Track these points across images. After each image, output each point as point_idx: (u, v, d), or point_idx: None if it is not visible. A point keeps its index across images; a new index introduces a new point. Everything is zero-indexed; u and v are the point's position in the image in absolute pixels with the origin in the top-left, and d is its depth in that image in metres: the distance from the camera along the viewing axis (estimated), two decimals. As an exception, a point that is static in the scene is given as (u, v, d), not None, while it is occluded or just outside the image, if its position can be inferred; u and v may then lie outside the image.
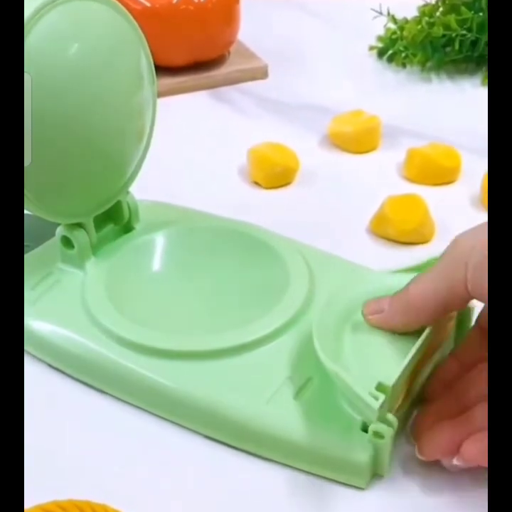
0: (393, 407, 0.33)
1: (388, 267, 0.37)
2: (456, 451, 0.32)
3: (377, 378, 0.31)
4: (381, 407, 0.31)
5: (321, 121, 0.57)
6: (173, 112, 0.59)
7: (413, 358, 0.32)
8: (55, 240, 0.41)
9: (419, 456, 0.33)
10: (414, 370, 0.34)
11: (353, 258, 0.42)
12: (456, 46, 0.62)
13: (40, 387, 0.38)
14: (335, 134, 0.55)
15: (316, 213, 0.49)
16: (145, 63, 0.40)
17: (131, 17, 0.39)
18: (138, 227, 0.43)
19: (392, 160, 0.54)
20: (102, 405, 0.37)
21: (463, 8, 0.62)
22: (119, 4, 0.38)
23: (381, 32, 0.67)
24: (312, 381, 0.35)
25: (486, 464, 0.30)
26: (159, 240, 0.42)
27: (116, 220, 0.42)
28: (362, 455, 0.33)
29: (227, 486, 0.34)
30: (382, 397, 0.31)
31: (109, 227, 0.42)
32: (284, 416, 0.34)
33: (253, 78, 0.64)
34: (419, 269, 0.35)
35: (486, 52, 0.62)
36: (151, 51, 0.40)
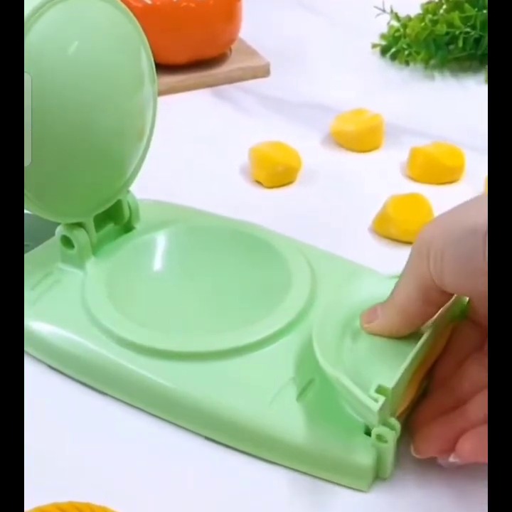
0: (397, 411, 0.33)
1: (391, 267, 0.36)
2: (452, 448, 0.32)
3: (377, 382, 0.31)
4: (381, 409, 0.31)
5: (324, 119, 0.56)
6: (173, 110, 0.59)
7: (413, 360, 0.32)
8: (55, 240, 0.40)
9: (415, 455, 0.33)
10: (419, 374, 0.34)
11: (355, 258, 0.42)
12: (460, 44, 0.62)
13: (40, 387, 0.37)
14: (337, 132, 0.55)
15: (319, 213, 0.49)
16: (146, 61, 0.40)
17: (131, 14, 0.39)
18: (138, 226, 0.43)
19: (395, 159, 0.53)
20: (102, 406, 0.37)
21: (466, 6, 0.62)
22: (120, 2, 0.38)
23: (384, 30, 0.67)
24: (314, 382, 0.35)
25: (483, 460, 0.30)
26: (160, 240, 0.42)
27: (116, 219, 0.42)
28: (365, 458, 0.32)
29: (228, 489, 0.33)
30: (382, 399, 0.31)
31: (110, 227, 0.42)
32: (287, 418, 0.34)
33: (255, 76, 0.63)
34: None
35: (490, 50, 0.62)
36: (152, 49, 0.40)
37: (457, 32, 0.62)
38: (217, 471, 0.34)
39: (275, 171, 0.51)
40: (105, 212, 0.41)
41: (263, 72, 0.64)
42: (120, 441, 0.35)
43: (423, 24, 0.63)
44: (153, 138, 0.42)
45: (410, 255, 0.33)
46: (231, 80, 0.63)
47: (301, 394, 0.34)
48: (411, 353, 0.32)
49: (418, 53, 0.64)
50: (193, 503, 0.33)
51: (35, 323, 0.38)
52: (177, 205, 0.45)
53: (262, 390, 0.34)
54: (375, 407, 0.30)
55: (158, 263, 0.42)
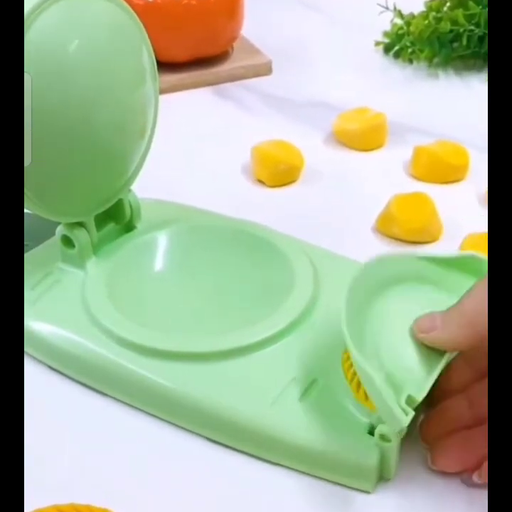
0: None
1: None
2: (474, 467, 0.31)
3: (404, 387, 0.30)
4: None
5: (326, 118, 0.56)
6: (175, 108, 0.59)
7: (443, 367, 0.32)
8: (55, 239, 0.40)
9: (434, 467, 0.33)
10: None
11: (358, 257, 0.41)
12: (464, 42, 0.62)
13: (40, 388, 0.37)
14: (340, 131, 0.55)
15: (321, 212, 0.49)
16: (147, 59, 0.40)
17: (133, 12, 0.38)
18: (139, 226, 0.42)
19: (398, 158, 0.53)
20: (102, 406, 0.37)
21: (470, 3, 0.61)
22: (121, -1, 0.38)
23: (387, 27, 0.67)
24: (317, 382, 0.34)
25: None
26: (161, 239, 0.42)
27: (117, 218, 0.42)
28: (369, 458, 0.32)
29: (229, 489, 0.33)
30: (411, 413, 0.30)
31: (111, 226, 0.41)
32: (289, 418, 0.34)
33: (257, 74, 0.63)
34: (447, 262, 0.34)
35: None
36: (153, 47, 0.40)
37: (461, 30, 0.62)
38: (218, 472, 0.34)
39: (277, 170, 0.51)
40: (106, 212, 0.41)
41: (265, 70, 0.64)
42: (120, 442, 0.35)
43: (427, 22, 0.62)
44: (155, 137, 0.42)
45: None
46: (233, 78, 0.63)
47: (303, 394, 0.34)
48: (441, 361, 0.31)
49: (422, 51, 0.63)
50: (194, 504, 0.33)
51: (35, 323, 0.38)
52: (178, 204, 0.45)
53: (264, 391, 0.34)
54: (405, 421, 0.30)
55: (159, 263, 0.41)
